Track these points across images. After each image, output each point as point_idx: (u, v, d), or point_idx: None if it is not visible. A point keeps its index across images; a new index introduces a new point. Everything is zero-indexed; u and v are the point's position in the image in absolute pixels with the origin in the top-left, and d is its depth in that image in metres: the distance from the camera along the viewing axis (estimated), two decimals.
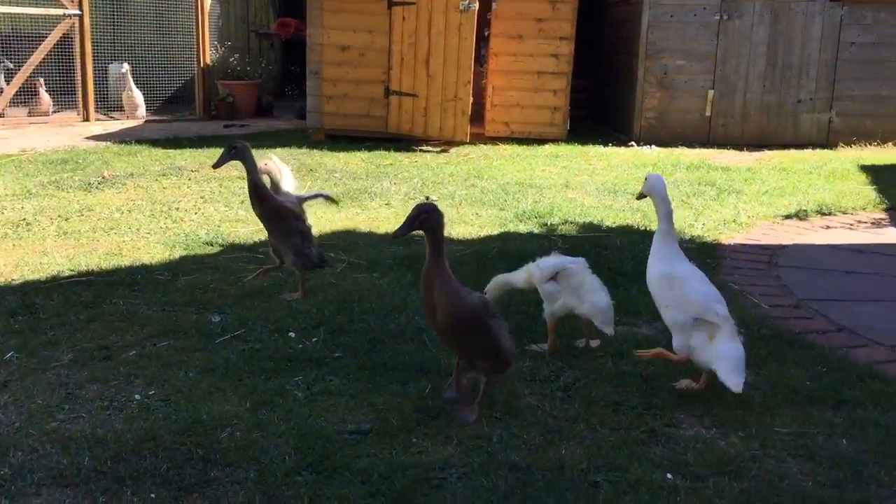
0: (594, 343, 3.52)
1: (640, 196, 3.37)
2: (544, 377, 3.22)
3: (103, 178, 6.94)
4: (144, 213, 5.80)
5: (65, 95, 10.31)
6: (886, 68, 9.08)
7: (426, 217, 2.73)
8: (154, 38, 11.08)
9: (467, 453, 2.65)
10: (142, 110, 10.68)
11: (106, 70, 10.70)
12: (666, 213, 3.16)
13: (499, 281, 3.50)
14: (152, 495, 2.39)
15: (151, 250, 4.91)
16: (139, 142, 8.79)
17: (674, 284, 3.05)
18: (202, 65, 10.90)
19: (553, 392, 3.10)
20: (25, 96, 10.16)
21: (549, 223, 5.60)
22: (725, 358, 2.89)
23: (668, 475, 2.52)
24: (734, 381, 2.86)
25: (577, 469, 2.55)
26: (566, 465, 2.57)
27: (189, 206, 6.04)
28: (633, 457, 2.62)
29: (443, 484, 2.46)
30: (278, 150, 8.44)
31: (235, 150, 3.94)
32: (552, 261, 3.40)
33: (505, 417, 2.90)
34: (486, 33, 9.53)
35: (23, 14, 10.16)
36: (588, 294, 3.33)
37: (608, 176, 7.34)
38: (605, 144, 9.14)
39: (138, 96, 10.64)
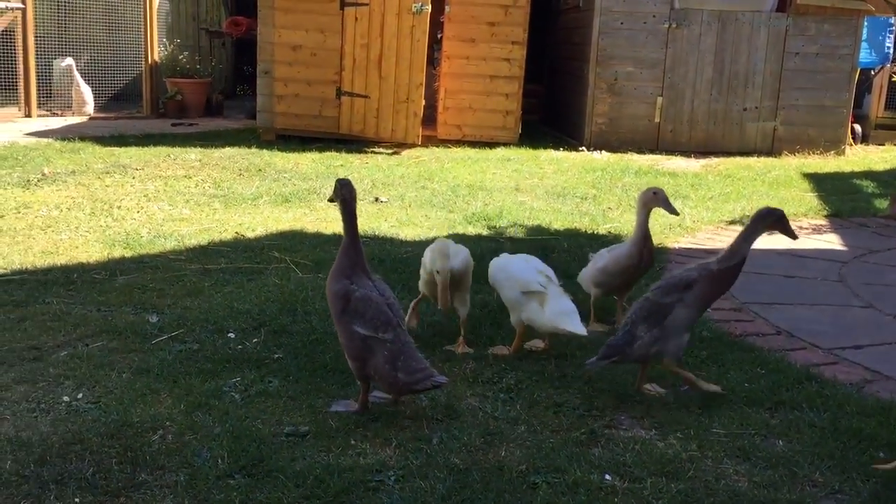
0: (539, 345, 3.51)
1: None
2: (487, 379, 3.20)
3: (43, 175, 6.75)
4: (84, 211, 5.65)
5: (6, 91, 10.01)
6: (829, 78, 9.30)
7: (346, 190, 2.90)
8: (101, 33, 10.83)
9: (406, 455, 2.61)
10: (90, 107, 10.42)
11: (50, 65, 10.42)
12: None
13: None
14: (76, 500, 2.30)
15: (89, 249, 4.78)
16: (83, 139, 8.58)
17: (503, 267, 3.46)
18: (150, 62, 10.70)
19: (495, 394, 3.08)
20: None
21: (497, 226, 5.60)
22: (561, 313, 3.22)
23: (607, 476, 2.52)
24: (578, 327, 3.17)
25: (517, 471, 2.53)
26: (505, 466, 2.55)
27: (131, 205, 5.90)
28: (572, 458, 2.61)
29: (380, 487, 2.42)
30: (227, 149, 8.32)
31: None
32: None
33: (445, 419, 2.87)
34: (439, 36, 9.52)
35: None
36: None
37: (558, 180, 7.37)
38: (557, 149, 9.20)
39: (86, 92, 10.39)
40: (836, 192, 7.14)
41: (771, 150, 9.35)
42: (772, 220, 3.12)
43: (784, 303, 4.33)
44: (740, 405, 3.05)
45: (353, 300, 2.81)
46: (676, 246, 5.30)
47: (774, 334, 3.86)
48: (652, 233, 5.49)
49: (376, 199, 6.35)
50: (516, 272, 3.39)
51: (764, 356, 3.51)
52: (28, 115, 9.87)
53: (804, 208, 6.48)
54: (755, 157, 9.11)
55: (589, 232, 5.49)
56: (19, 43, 9.72)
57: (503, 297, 3.46)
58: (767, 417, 2.98)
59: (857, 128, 10.38)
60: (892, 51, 10.36)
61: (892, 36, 10.27)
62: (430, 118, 9.46)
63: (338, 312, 2.84)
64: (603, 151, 9.12)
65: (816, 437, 2.83)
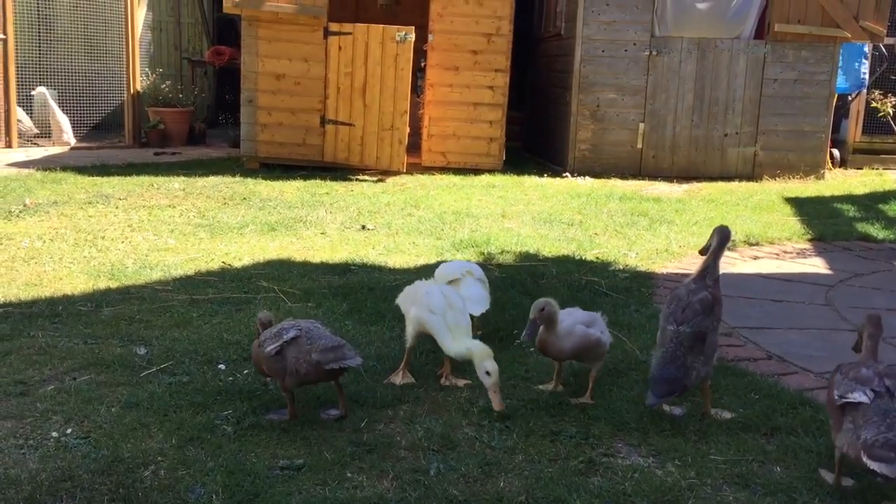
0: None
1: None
2: (482, 407, 3.18)
3: (25, 206, 6.68)
4: (68, 242, 5.59)
5: None
6: (807, 104, 9.43)
7: None
8: (82, 62, 10.78)
9: (404, 487, 2.57)
10: (68, 136, 10.35)
11: (30, 95, 10.36)
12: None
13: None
14: None
15: (74, 280, 4.72)
16: (64, 169, 8.52)
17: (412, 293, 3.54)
18: (132, 91, 10.66)
19: (491, 423, 3.06)
20: None
21: (486, 252, 5.59)
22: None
23: None
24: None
25: (516, 501, 2.50)
26: (505, 497, 2.52)
27: (116, 235, 5.84)
28: (571, 487, 2.58)
29: None
30: (211, 178, 8.29)
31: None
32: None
33: (442, 450, 2.84)
34: (423, 64, 9.58)
35: None
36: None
37: (544, 206, 7.40)
38: (541, 175, 9.24)
39: (63, 121, 10.31)
40: (818, 216, 7.21)
41: (752, 175, 9.44)
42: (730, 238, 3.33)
43: (773, 327, 4.35)
44: (736, 431, 3.04)
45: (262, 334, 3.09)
46: (664, 271, 5.32)
47: (766, 359, 3.87)
48: (639, 258, 5.58)
49: (363, 227, 6.34)
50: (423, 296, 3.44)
51: (757, 381, 3.51)
52: (9, 146, 9.78)
53: (788, 232, 6.53)
54: (737, 182, 9.20)
55: (577, 258, 5.49)
56: (0, 73, 9.65)
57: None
58: (764, 443, 2.98)
59: (836, 152, 10.52)
60: (867, 76, 10.54)
61: (867, 62, 10.45)
62: (414, 145, 9.48)
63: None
64: (587, 177, 9.18)
65: (814, 463, 2.82)
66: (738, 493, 2.63)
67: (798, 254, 6.00)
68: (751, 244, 6.19)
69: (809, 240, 6.41)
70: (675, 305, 3.15)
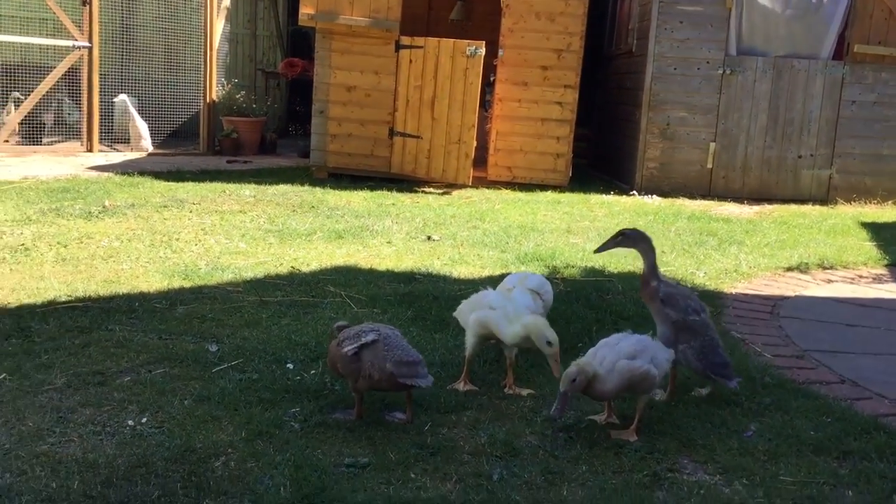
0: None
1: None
2: (546, 417, 3.17)
3: (104, 207, 6.93)
4: (144, 243, 5.77)
5: (69, 125, 10.37)
6: (886, 127, 9.17)
7: None
8: (162, 72, 11.17)
9: (467, 491, 2.58)
10: (146, 142, 10.71)
11: (112, 102, 10.77)
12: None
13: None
14: None
15: (150, 279, 4.87)
16: (141, 173, 8.81)
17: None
18: (208, 100, 10.98)
19: (554, 433, 3.05)
20: (31, 127, 10.23)
21: (551, 265, 5.58)
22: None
23: None
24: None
25: None
26: None
27: (189, 238, 6.02)
28: (635, 500, 2.56)
29: None
30: (281, 186, 8.47)
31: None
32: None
33: (505, 456, 2.84)
34: (492, 79, 9.63)
35: (33, 45, 10.25)
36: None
37: (610, 223, 7.35)
38: (607, 192, 9.18)
39: (142, 127, 10.68)
40: (895, 242, 6.98)
41: (826, 199, 9.21)
42: None
43: (847, 351, 4.22)
44: (807, 453, 2.97)
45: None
46: (733, 291, 5.22)
47: (839, 383, 3.76)
48: (707, 277, 5.49)
49: (428, 238, 6.39)
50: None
51: (829, 404, 3.42)
52: (90, 150, 10.17)
53: (863, 257, 6.34)
54: (810, 205, 8.98)
55: None
56: (84, 81, 10.06)
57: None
58: (836, 467, 2.90)
59: None
60: None
61: None
62: (480, 160, 9.53)
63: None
64: (654, 196, 9.08)
65: (888, 489, 2.74)
66: None
67: (874, 279, 5.82)
68: (824, 268, 6.04)
69: (886, 265, 6.21)
70: (683, 300, 3.47)
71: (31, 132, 10.26)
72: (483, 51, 8.64)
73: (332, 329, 3.20)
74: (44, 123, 10.35)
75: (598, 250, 3.80)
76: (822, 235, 7.17)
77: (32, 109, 9.93)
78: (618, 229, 3.81)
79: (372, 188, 8.62)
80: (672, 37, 9.10)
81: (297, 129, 13.78)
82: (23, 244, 5.53)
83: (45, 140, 10.36)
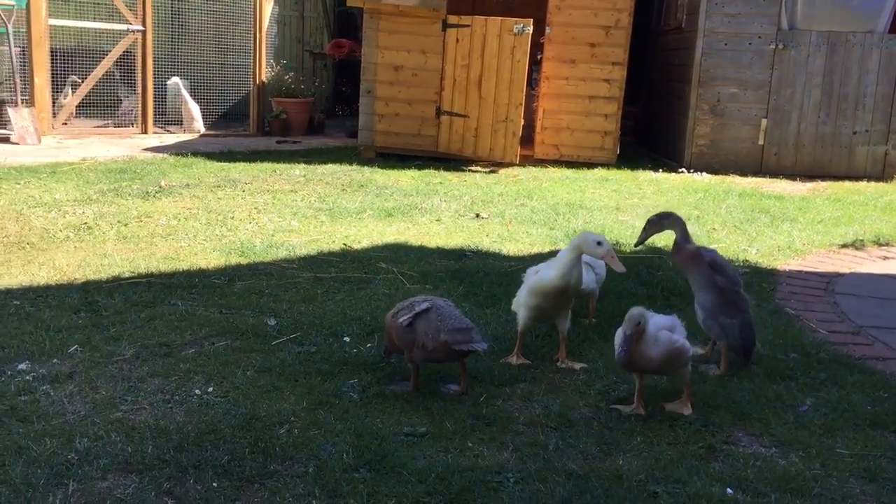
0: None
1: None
2: (599, 390, 3.21)
3: (160, 187, 7.10)
4: (200, 221, 5.92)
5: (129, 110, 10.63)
6: None
7: None
8: (213, 55, 11.34)
9: (523, 460, 2.64)
10: (198, 123, 10.91)
11: (165, 85, 10.98)
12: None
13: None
14: (214, 484, 2.42)
15: (208, 256, 5.00)
16: (195, 154, 8.98)
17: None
18: (258, 82, 11.13)
19: (608, 405, 3.09)
20: (89, 108, 10.50)
21: None
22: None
23: (729, 490, 2.49)
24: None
25: (636, 479, 2.53)
26: (624, 474, 2.55)
27: (243, 216, 6.15)
28: (691, 470, 2.59)
29: (500, 487, 2.46)
30: (330, 166, 8.58)
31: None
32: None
33: (560, 427, 2.89)
34: (539, 57, 9.59)
35: (88, 29, 10.49)
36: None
37: (659, 200, 7.30)
38: (655, 170, 9.11)
39: (195, 109, 10.88)
40: None
41: (882, 175, 9.01)
42: None
43: None
44: (864, 427, 2.97)
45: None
46: (786, 268, 5.18)
47: (895, 358, 3.73)
48: (760, 254, 5.44)
49: (477, 216, 6.44)
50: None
51: (886, 380, 3.40)
52: (144, 132, 10.40)
53: None
54: (864, 182, 8.80)
55: None
56: (139, 63, 10.28)
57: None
58: (893, 440, 2.89)
59: None
60: None
61: None
62: (527, 138, 9.52)
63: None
64: (703, 173, 8.98)
65: None
66: (865, 485, 2.57)
67: None
68: (880, 244, 5.94)
69: None
70: (732, 269, 3.54)
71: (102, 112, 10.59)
72: (530, 28, 8.61)
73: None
74: (120, 100, 10.62)
75: (637, 244, 3.88)
76: (877, 212, 7.04)
77: (92, 91, 10.19)
78: (656, 212, 3.83)
79: (419, 167, 8.68)
80: (723, 11, 8.95)
81: (344, 110, 13.90)
82: (85, 223, 5.71)
83: (117, 116, 10.63)
